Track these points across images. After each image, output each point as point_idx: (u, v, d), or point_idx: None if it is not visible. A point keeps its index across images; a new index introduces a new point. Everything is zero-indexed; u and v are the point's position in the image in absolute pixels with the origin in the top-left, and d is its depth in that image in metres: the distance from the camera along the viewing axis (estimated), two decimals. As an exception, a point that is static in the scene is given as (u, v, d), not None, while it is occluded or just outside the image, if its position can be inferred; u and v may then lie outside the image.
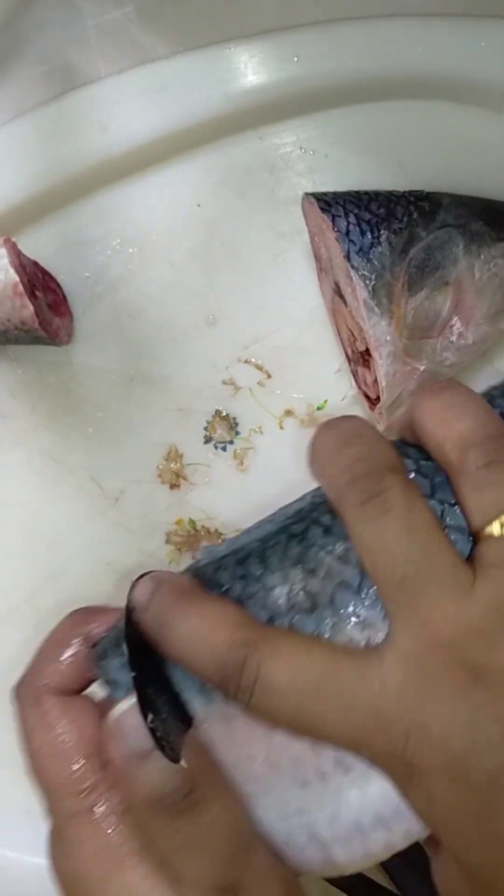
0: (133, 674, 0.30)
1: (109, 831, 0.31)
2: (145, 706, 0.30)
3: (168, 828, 0.30)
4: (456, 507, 0.32)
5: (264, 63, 0.54)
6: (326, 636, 0.31)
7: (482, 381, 0.57)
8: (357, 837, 0.30)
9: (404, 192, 0.52)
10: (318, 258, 0.56)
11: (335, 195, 0.52)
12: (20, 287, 0.50)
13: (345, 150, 0.57)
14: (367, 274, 0.49)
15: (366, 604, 0.31)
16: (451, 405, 0.32)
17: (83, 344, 0.58)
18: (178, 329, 0.58)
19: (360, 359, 0.54)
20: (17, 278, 0.50)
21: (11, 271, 0.50)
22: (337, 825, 0.30)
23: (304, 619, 0.31)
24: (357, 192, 0.52)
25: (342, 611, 0.31)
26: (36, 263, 0.55)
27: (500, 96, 0.54)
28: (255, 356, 0.58)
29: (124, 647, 0.32)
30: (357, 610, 0.31)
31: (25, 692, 0.34)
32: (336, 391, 0.57)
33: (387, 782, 0.30)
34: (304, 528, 0.34)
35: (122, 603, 0.58)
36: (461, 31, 0.54)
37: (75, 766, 0.32)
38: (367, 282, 0.49)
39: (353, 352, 0.55)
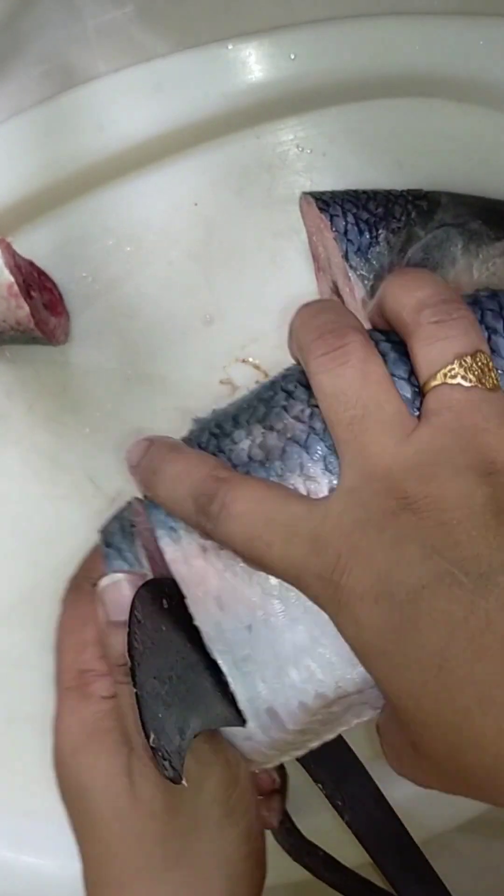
0: (136, 691, 0.32)
1: (89, 709, 0.37)
2: (147, 724, 0.31)
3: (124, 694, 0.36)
4: (405, 380, 0.36)
5: (262, 61, 0.54)
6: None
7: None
8: (290, 687, 0.35)
9: (402, 191, 0.52)
10: (315, 258, 0.56)
11: (333, 194, 0.51)
12: (15, 287, 0.50)
13: (343, 148, 0.56)
14: (365, 274, 0.49)
15: (313, 458, 0.36)
16: (413, 279, 0.37)
17: (80, 343, 0.58)
18: (176, 328, 0.58)
19: None
20: (12, 279, 0.50)
21: (6, 272, 0.50)
22: (276, 672, 0.35)
23: (257, 468, 0.37)
24: (355, 192, 0.52)
25: (290, 462, 0.36)
26: (31, 263, 0.55)
27: (500, 95, 0.54)
28: (253, 356, 0.58)
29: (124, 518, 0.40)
30: (303, 463, 0.36)
31: (71, 581, 0.42)
32: (334, 391, 0.57)
33: (316, 628, 0.34)
34: (272, 393, 0.40)
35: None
36: (460, 29, 0.53)
37: (83, 647, 0.39)
38: (366, 281, 0.49)
39: None
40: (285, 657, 0.35)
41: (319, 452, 0.36)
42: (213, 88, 0.54)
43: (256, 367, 0.58)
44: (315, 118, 0.56)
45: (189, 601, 0.37)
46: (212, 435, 0.40)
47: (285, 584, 0.34)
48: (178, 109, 0.55)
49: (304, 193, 0.52)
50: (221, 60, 0.54)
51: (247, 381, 0.58)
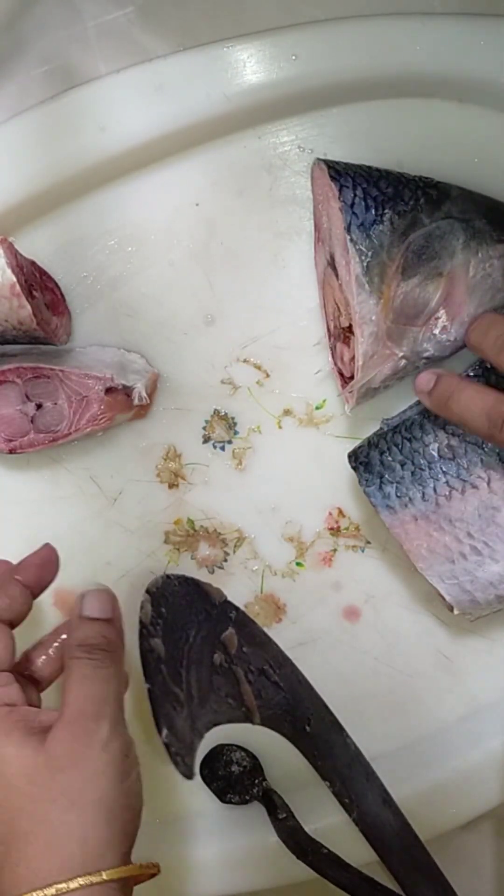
0: (147, 685, 0.32)
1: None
2: (159, 721, 0.31)
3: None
4: None
5: (263, 62, 0.54)
6: (461, 475, 0.50)
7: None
8: (488, 588, 0.49)
9: (415, 176, 0.52)
10: (317, 227, 0.55)
11: (346, 165, 0.51)
12: (17, 287, 0.50)
13: (343, 149, 0.56)
14: (363, 249, 0.49)
15: (487, 454, 0.50)
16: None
17: (81, 343, 0.58)
18: (177, 328, 0.58)
19: (342, 334, 0.54)
20: (15, 278, 0.50)
21: (9, 272, 0.50)
22: (475, 583, 0.49)
23: (447, 463, 0.50)
24: (368, 167, 0.52)
25: (471, 458, 0.50)
26: (33, 263, 0.55)
27: (500, 95, 0.54)
28: (254, 355, 0.58)
29: None
30: (481, 458, 0.50)
31: None
32: (335, 390, 0.57)
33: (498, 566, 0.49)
34: None
35: (125, 599, 0.57)
36: (460, 29, 0.53)
37: None
38: (363, 257, 0.49)
39: (335, 326, 0.55)
40: (480, 575, 0.49)
41: (492, 448, 0.49)
42: (214, 89, 0.54)
43: (258, 366, 0.58)
44: (316, 119, 0.56)
45: (407, 551, 0.50)
46: (404, 438, 0.52)
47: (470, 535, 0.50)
48: (179, 110, 0.55)
49: (318, 160, 0.52)
50: (222, 61, 0.54)
51: (248, 380, 0.58)
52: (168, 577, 0.40)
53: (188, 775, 0.32)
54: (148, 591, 0.38)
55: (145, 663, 0.34)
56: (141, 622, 0.36)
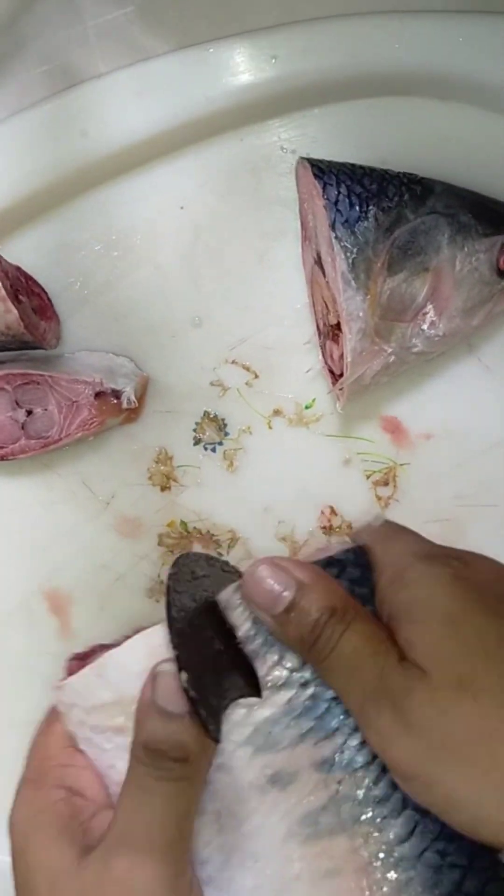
0: (176, 653, 0.31)
1: (42, 800, 0.37)
2: (190, 684, 0.31)
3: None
4: None
5: (242, 64, 0.54)
6: None
7: (466, 373, 0.57)
8: None
9: (399, 172, 0.52)
10: (304, 226, 0.55)
11: (330, 164, 0.51)
12: (2, 292, 0.50)
13: (326, 148, 0.57)
14: (348, 246, 0.49)
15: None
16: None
17: (70, 347, 0.58)
18: (165, 331, 0.58)
19: (331, 332, 0.54)
20: None
21: (-6, 276, 0.50)
22: None
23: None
24: (352, 165, 0.52)
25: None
26: (19, 268, 0.55)
27: (480, 91, 0.54)
28: (242, 357, 0.58)
29: None
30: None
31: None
32: (324, 389, 0.57)
33: None
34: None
35: (120, 602, 0.58)
36: (439, 27, 0.54)
37: (50, 741, 0.39)
38: (348, 254, 0.49)
39: (324, 325, 0.55)
40: None
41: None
42: (195, 92, 0.54)
43: (246, 367, 0.58)
44: (297, 119, 0.57)
45: None
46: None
47: None
48: (160, 114, 0.55)
49: (302, 158, 0.52)
50: (202, 64, 0.54)
51: (237, 381, 0.58)
52: (190, 553, 0.39)
53: (216, 739, 0.31)
54: (175, 563, 0.36)
55: (172, 632, 0.33)
56: (168, 593, 0.34)
